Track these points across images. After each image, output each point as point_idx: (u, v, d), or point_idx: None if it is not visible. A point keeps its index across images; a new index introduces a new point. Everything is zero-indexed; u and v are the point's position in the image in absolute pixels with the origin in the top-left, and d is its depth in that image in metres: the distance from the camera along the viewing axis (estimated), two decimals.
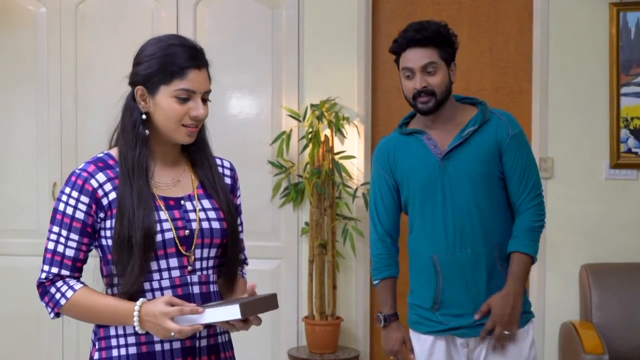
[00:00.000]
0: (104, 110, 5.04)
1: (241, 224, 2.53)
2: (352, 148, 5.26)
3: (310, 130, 5.09)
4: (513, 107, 5.14)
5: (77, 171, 2.33)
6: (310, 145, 5.09)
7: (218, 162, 2.50)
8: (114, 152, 2.38)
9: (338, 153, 5.16)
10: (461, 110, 3.30)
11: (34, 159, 5.53)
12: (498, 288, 3.21)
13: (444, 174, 3.21)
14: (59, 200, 2.32)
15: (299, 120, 5.24)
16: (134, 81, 2.34)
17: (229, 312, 2.18)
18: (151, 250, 2.26)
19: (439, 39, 3.20)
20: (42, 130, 5.50)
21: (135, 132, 2.31)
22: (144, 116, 2.32)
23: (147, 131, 2.33)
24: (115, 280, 2.31)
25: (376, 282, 3.39)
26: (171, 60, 2.28)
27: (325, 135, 5.14)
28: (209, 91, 2.36)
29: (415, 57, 3.20)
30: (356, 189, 5.22)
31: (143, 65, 2.32)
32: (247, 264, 2.61)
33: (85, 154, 5.36)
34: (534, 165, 3.28)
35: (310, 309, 5.20)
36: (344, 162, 5.19)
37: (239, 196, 2.56)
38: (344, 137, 5.21)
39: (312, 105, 5.17)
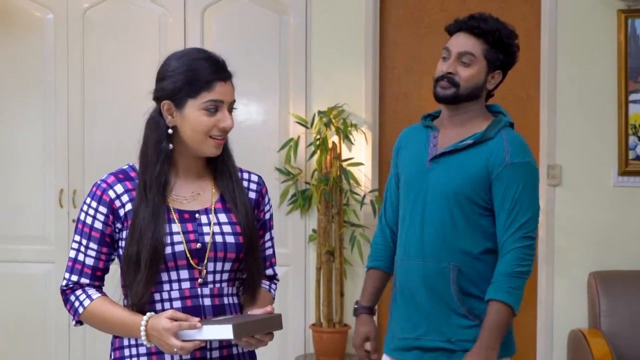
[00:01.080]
0: (112, 118, 5.48)
1: (271, 239, 2.54)
2: (360, 155, 5.25)
3: (318, 137, 5.08)
4: (520, 113, 5.11)
5: (98, 182, 2.38)
6: (318, 152, 5.08)
7: (245, 175, 2.50)
8: (137, 163, 2.40)
9: (346, 160, 5.15)
10: (481, 118, 3.00)
11: (40, 166, 5.51)
12: (443, 316, 2.91)
13: (425, 177, 2.97)
14: (81, 209, 2.38)
15: (307, 127, 5.23)
16: (159, 96, 2.36)
17: (222, 331, 2.19)
18: (158, 265, 2.29)
19: (493, 36, 2.94)
20: (49, 137, 5.48)
21: (159, 147, 2.33)
22: (170, 131, 2.34)
23: (170, 145, 2.34)
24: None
25: (366, 269, 3.24)
26: (197, 73, 2.30)
27: (333, 142, 5.13)
28: (234, 101, 2.38)
29: (459, 41, 2.96)
30: (364, 196, 5.21)
31: (168, 79, 2.33)
32: (277, 280, 2.61)
33: (92, 161, 5.42)
34: (530, 203, 2.89)
35: (317, 316, 5.20)
36: (351, 169, 5.18)
37: (268, 211, 2.54)
38: (352, 144, 5.20)
39: (319, 112, 5.16)
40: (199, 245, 2.34)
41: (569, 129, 5.08)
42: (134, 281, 2.29)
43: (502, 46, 2.96)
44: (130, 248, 2.29)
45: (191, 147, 2.36)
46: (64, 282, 2.37)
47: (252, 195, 2.48)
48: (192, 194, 2.40)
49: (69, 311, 2.37)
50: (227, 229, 2.38)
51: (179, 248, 2.31)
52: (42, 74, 5.48)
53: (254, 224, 2.42)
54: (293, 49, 5.31)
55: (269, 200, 2.54)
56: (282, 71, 5.33)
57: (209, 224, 2.37)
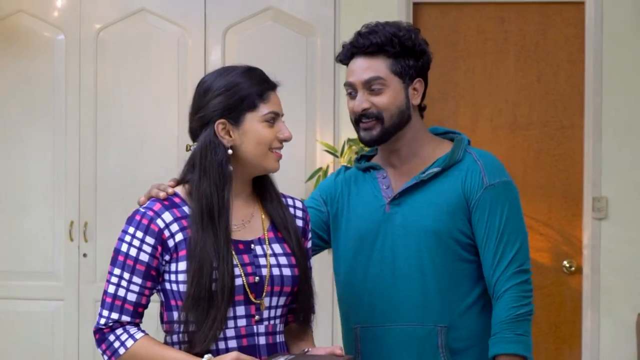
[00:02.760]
0: (126, 145, 5.28)
1: (310, 268, 2.44)
2: None
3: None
4: (564, 142, 5.03)
5: (142, 210, 2.27)
6: None
7: (290, 202, 2.45)
8: (180, 190, 2.32)
9: None
10: (433, 144, 2.61)
11: (49, 197, 5.36)
12: None
13: (388, 224, 2.56)
14: (122, 240, 2.26)
15: (336, 156, 5.05)
16: (210, 117, 2.28)
17: None
18: (232, 301, 2.22)
19: (392, 46, 2.53)
20: (58, 165, 5.35)
21: (222, 172, 2.26)
22: (230, 151, 2.28)
23: (231, 167, 2.28)
24: (176, 327, 2.25)
25: None
26: (249, 86, 2.27)
27: None
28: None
29: (357, 69, 2.55)
30: None
31: (218, 98, 2.27)
32: (314, 312, 2.46)
33: (106, 191, 5.30)
34: (518, 229, 2.53)
35: None
36: None
37: (310, 239, 2.48)
38: None
39: (349, 140, 4.99)
40: (256, 279, 2.28)
41: (616, 159, 4.97)
42: (205, 321, 2.19)
43: (407, 51, 2.56)
44: (200, 285, 2.19)
45: (252, 164, 2.30)
46: (102, 321, 2.25)
47: (299, 222, 2.43)
48: (242, 221, 2.34)
49: (104, 352, 2.25)
50: (282, 260, 2.33)
51: (237, 282, 2.24)
52: (52, 99, 5.36)
53: (305, 254, 2.38)
54: (320, 72, 5.18)
55: (310, 228, 2.49)
56: (308, 96, 5.20)
57: (264, 255, 2.31)
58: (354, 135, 4.94)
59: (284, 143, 2.31)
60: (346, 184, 2.71)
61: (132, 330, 2.24)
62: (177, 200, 2.29)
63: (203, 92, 2.30)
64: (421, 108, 2.66)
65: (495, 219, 2.51)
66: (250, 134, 2.28)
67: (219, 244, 2.21)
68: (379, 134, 2.56)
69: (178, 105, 5.14)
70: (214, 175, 2.25)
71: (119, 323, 2.24)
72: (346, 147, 4.98)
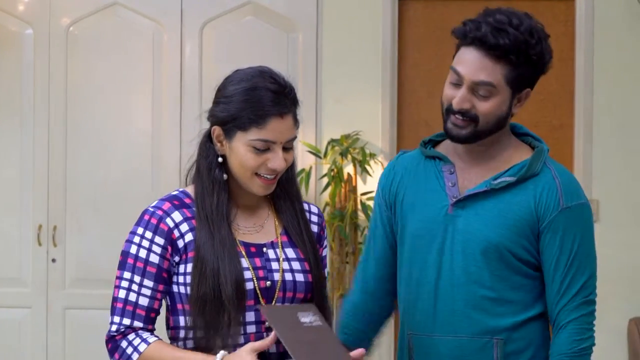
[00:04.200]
0: (98, 146, 5.11)
1: (325, 277, 2.41)
2: (374, 187, 4.87)
3: (333, 167, 4.85)
4: (553, 143, 4.85)
5: (151, 209, 2.23)
6: (332, 184, 4.85)
7: (305, 207, 2.38)
8: (191, 190, 2.28)
9: (366, 193, 4.90)
10: (511, 149, 2.45)
11: (16, 198, 5.26)
12: None
13: (449, 227, 2.42)
14: (130, 242, 2.22)
15: (319, 157, 5.01)
16: (211, 120, 2.26)
17: None
18: (244, 300, 2.18)
19: (518, 55, 2.32)
20: (26, 165, 5.25)
21: (212, 176, 2.23)
22: (220, 159, 2.24)
23: (225, 175, 2.24)
24: (182, 333, 2.23)
25: None
26: (251, 105, 2.18)
27: (348, 174, 4.91)
28: (294, 138, 2.25)
29: (471, 64, 2.34)
30: None
31: (220, 106, 2.22)
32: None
33: (76, 193, 5.23)
34: (589, 256, 2.39)
35: None
36: (371, 203, 4.87)
37: (325, 246, 2.44)
38: (370, 175, 4.95)
39: (332, 140, 4.97)
40: (268, 283, 2.23)
41: (607, 161, 5.00)
42: (219, 325, 2.16)
43: (529, 61, 2.35)
44: (207, 287, 2.15)
45: (240, 182, 2.25)
46: (114, 327, 2.19)
47: (315, 228, 2.39)
48: (255, 225, 2.30)
49: None
50: (296, 265, 2.28)
51: (249, 286, 2.20)
52: (19, 96, 5.29)
53: (319, 260, 2.34)
54: (302, 70, 5.16)
55: (326, 235, 2.46)
56: None
57: (277, 259, 2.27)
58: (337, 135, 4.98)
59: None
60: (407, 171, 2.51)
61: (145, 334, 2.19)
62: (187, 201, 2.25)
63: (218, 90, 2.24)
64: None
65: (567, 244, 2.35)
66: (235, 152, 2.22)
67: (223, 245, 2.18)
68: (469, 135, 2.38)
69: (152, 103, 5.08)
70: (205, 178, 2.23)
71: (131, 329, 2.19)
72: (329, 148, 4.96)
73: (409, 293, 2.47)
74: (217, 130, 2.22)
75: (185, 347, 2.22)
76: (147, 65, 5.17)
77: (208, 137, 2.26)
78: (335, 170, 4.82)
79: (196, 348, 2.19)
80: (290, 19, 5.14)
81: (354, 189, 4.89)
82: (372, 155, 4.92)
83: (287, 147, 2.22)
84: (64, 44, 5.24)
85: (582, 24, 4.93)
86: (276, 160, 2.19)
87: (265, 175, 2.21)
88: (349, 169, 4.92)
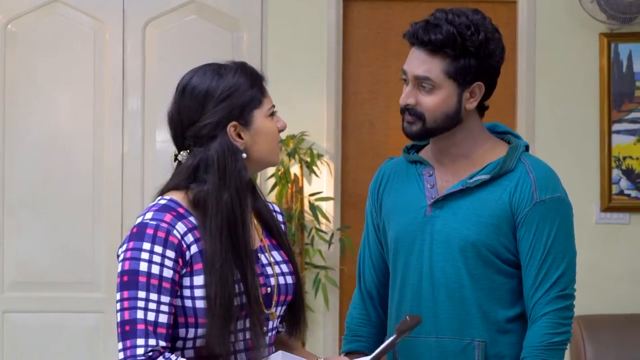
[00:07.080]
0: (37, 148, 5.00)
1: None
2: (321, 188, 4.95)
3: (280, 168, 4.77)
4: None
5: (152, 222, 2.11)
6: (279, 185, 4.79)
7: (269, 206, 2.40)
8: (180, 198, 2.18)
9: (314, 194, 4.85)
10: (487, 146, 2.45)
11: None
12: None
13: (427, 227, 2.43)
14: (137, 259, 2.08)
15: None
16: (220, 122, 2.18)
17: None
18: (263, 311, 2.19)
19: (453, 47, 2.34)
20: None
21: (242, 180, 2.18)
22: (244, 155, 2.20)
23: (248, 174, 2.23)
24: (180, 344, 2.14)
25: (341, 353, 2.61)
26: (256, 83, 2.24)
27: (295, 175, 4.85)
28: None
29: (413, 60, 2.41)
30: (332, 234, 4.88)
31: (226, 101, 2.18)
32: (306, 321, 2.45)
33: (14, 194, 5.05)
34: (565, 250, 2.39)
35: None
36: (318, 204, 4.87)
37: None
38: (317, 176, 4.90)
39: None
40: (268, 289, 2.22)
41: (548, 162, 4.54)
42: (242, 330, 2.15)
43: (469, 52, 2.36)
44: (221, 298, 2.09)
45: (261, 162, 2.25)
46: (141, 351, 2.04)
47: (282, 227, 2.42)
48: None
49: None
50: (284, 268, 2.29)
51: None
52: None
53: (295, 259, 2.36)
54: None
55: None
56: None
57: (269, 264, 2.26)
58: (283, 135, 4.83)
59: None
60: (391, 177, 2.57)
61: (172, 357, 2.08)
62: (181, 210, 2.17)
63: (203, 98, 2.18)
64: (482, 108, 2.49)
65: (541, 237, 2.36)
66: (261, 131, 2.22)
67: (241, 257, 2.14)
68: (419, 132, 2.42)
69: (94, 103, 4.98)
70: (236, 185, 2.17)
71: (158, 352, 2.07)
72: None
73: (395, 295, 2.47)
74: (234, 126, 2.18)
75: (183, 356, 2.14)
76: (88, 64, 5.07)
77: (227, 141, 2.17)
78: (282, 170, 4.76)
79: (196, 357, 2.14)
80: (235, 18, 5.09)
81: (300, 190, 4.83)
82: (320, 156, 4.88)
83: None
84: (2, 42, 5.09)
85: (524, 26, 4.93)
86: (281, 120, 2.27)
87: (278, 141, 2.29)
88: (294, 169, 4.87)
